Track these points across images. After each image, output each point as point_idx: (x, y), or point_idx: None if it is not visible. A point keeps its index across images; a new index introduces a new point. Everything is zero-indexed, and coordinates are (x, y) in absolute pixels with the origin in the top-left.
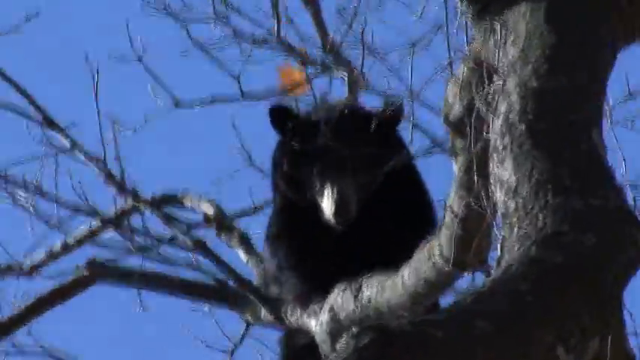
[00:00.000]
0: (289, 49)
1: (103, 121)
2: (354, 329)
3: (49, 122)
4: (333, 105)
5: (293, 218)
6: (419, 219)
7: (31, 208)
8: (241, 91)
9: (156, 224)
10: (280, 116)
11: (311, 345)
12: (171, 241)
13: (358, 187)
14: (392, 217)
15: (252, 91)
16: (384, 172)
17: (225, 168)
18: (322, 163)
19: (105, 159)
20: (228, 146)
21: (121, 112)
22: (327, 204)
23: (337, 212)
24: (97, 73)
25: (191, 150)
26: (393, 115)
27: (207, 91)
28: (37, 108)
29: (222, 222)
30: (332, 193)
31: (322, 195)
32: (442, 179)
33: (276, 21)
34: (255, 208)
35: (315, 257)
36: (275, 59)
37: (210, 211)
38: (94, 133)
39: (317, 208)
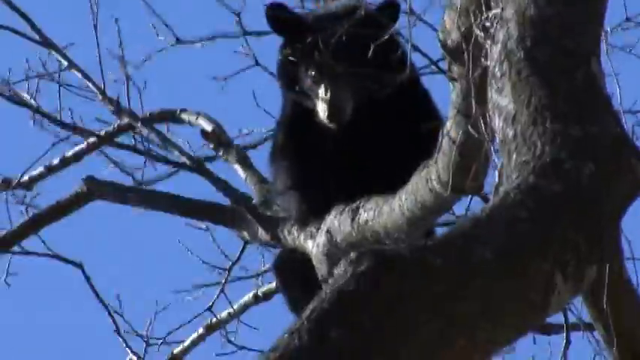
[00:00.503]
0: None
1: (103, 54)
2: (352, 254)
3: (47, 42)
4: (334, 6)
5: (297, 130)
6: (418, 144)
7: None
8: (242, 27)
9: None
10: (278, 16)
11: (306, 267)
12: (167, 160)
13: (354, 90)
14: (392, 140)
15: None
16: (385, 83)
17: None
18: (317, 67)
19: (104, 83)
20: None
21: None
22: (321, 106)
23: (330, 113)
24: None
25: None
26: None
27: (209, 25)
28: (35, 29)
29: (220, 138)
30: (325, 94)
31: (317, 97)
32: (441, 102)
33: None
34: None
35: (316, 177)
36: None
37: (208, 127)
38: (92, 60)
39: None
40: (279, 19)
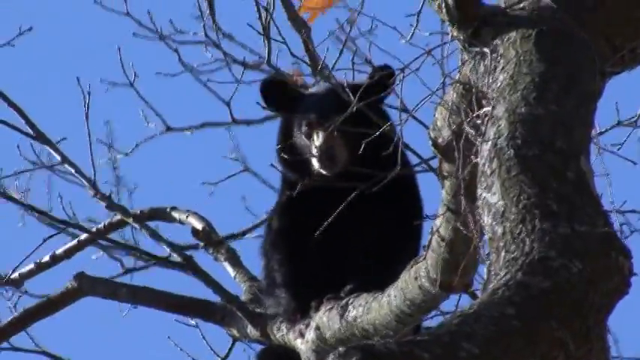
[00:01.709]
0: (279, 73)
1: (94, 142)
2: (341, 349)
3: (40, 136)
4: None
5: (290, 225)
6: (407, 241)
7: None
8: (232, 116)
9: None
10: (271, 91)
11: (288, 357)
12: (159, 258)
13: (345, 142)
14: (382, 236)
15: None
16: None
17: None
18: (307, 121)
19: (95, 175)
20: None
21: (112, 135)
22: (315, 155)
23: (324, 159)
24: (89, 95)
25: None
26: (380, 84)
27: (198, 113)
28: (29, 122)
29: (210, 236)
30: (320, 145)
31: (311, 151)
32: (431, 198)
33: (266, 45)
34: (244, 232)
35: (306, 274)
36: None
37: (198, 225)
38: (84, 151)
39: (313, 210)
40: (273, 92)
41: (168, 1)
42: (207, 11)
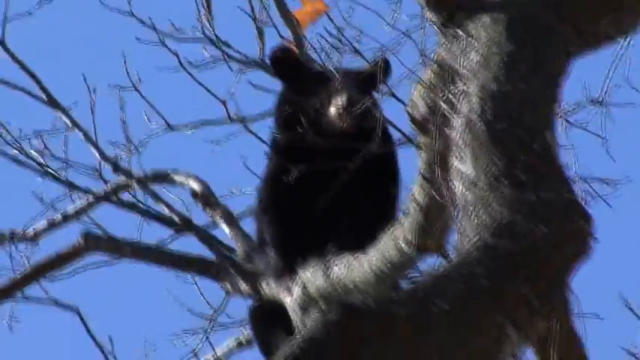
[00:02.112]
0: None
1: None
2: (324, 305)
3: (53, 102)
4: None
5: (280, 190)
6: (386, 207)
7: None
8: (228, 115)
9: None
10: (281, 60)
11: (280, 313)
12: (160, 218)
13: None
14: (364, 203)
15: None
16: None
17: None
18: (330, 85)
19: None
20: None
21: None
22: (334, 109)
23: (343, 113)
24: (95, 91)
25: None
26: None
27: (197, 111)
28: (43, 89)
29: (208, 198)
30: (339, 96)
31: (330, 102)
32: (410, 169)
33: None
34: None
35: (294, 235)
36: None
37: (197, 187)
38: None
39: (302, 182)
40: (284, 63)
41: (169, 1)
42: (205, 11)
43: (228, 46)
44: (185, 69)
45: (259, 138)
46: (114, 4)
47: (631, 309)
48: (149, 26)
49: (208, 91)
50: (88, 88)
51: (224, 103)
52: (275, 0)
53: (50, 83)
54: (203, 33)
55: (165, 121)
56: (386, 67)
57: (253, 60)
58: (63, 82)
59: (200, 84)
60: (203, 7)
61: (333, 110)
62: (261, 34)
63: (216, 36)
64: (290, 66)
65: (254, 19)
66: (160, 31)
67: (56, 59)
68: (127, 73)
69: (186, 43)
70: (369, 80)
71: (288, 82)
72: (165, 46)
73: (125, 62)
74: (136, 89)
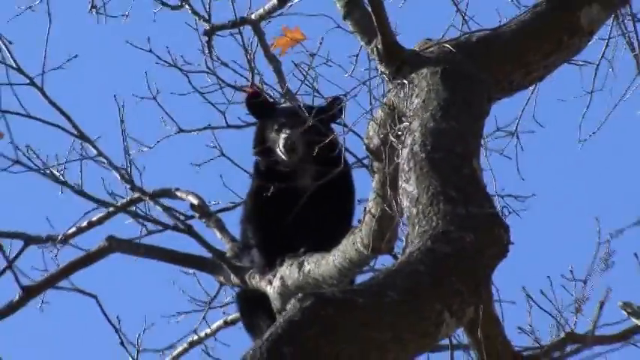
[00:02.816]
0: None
1: (125, 142)
2: (299, 295)
3: (82, 136)
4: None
5: (260, 204)
6: (345, 217)
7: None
8: (226, 122)
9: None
10: (254, 103)
11: (260, 298)
12: (167, 226)
13: (303, 142)
14: (327, 213)
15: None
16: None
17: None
18: (279, 123)
19: (127, 165)
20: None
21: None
22: (280, 142)
23: (285, 145)
24: (123, 106)
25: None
26: (332, 108)
27: (203, 119)
28: (75, 126)
29: (203, 209)
30: (284, 135)
31: (278, 140)
32: (363, 187)
33: (250, 73)
34: (234, 205)
35: (273, 239)
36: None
37: (195, 201)
38: (114, 147)
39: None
40: (255, 105)
41: (181, 39)
42: (207, 49)
43: (226, 65)
44: (194, 88)
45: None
46: (137, 42)
47: (529, 297)
48: (166, 61)
49: (211, 104)
50: (117, 105)
51: (223, 113)
52: (261, 44)
53: (81, 115)
54: (206, 64)
55: (177, 124)
56: (340, 103)
57: (243, 86)
58: (93, 112)
59: (206, 99)
60: (206, 44)
61: (279, 149)
62: (250, 65)
63: (214, 67)
64: (259, 106)
65: (246, 53)
66: (174, 63)
67: (87, 96)
68: (149, 88)
69: (193, 73)
70: (326, 114)
71: (259, 118)
72: (180, 70)
73: (147, 82)
74: (155, 99)
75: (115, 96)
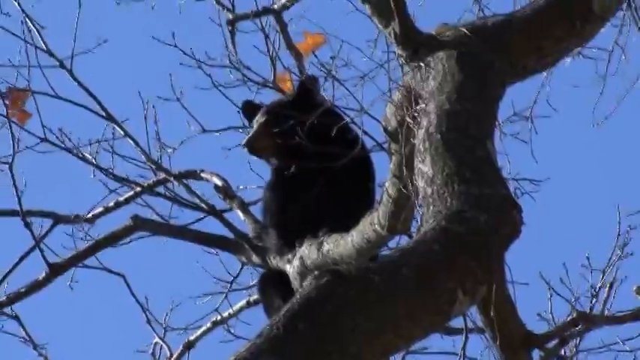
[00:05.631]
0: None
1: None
2: (316, 272)
3: (110, 117)
4: None
5: (280, 191)
6: (365, 198)
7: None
8: (243, 122)
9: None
10: (248, 110)
11: (281, 279)
12: (191, 206)
13: (270, 135)
14: (347, 194)
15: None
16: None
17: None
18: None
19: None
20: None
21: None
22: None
23: (245, 141)
24: (147, 102)
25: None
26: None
27: (225, 118)
28: (103, 108)
29: (227, 191)
30: (249, 132)
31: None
32: (383, 168)
33: (272, 69)
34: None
35: (292, 222)
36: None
37: (219, 182)
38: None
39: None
40: (249, 111)
41: (205, 35)
42: (231, 44)
43: (249, 69)
44: (216, 87)
45: None
46: (163, 38)
47: (544, 279)
48: (189, 55)
49: (233, 103)
50: (142, 102)
51: (239, 112)
52: (283, 35)
53: (108, 100)
54: (229, 60)
55: (201, 125)
56: (312, 82)
57: (266, 82)
58: (120, 98)
59: (227, 98)
60: (229, 40)
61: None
62: (273, 62)
63: (240, 61)
64: (254, 114)
65: (268, 50)
66: (197, 61)
67: (114, 81)
68: (173, 89)
69: (216, 67)
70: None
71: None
72: (202, 69)
73: (171, 82)
74: (179, 101)
75: (139, 92)
